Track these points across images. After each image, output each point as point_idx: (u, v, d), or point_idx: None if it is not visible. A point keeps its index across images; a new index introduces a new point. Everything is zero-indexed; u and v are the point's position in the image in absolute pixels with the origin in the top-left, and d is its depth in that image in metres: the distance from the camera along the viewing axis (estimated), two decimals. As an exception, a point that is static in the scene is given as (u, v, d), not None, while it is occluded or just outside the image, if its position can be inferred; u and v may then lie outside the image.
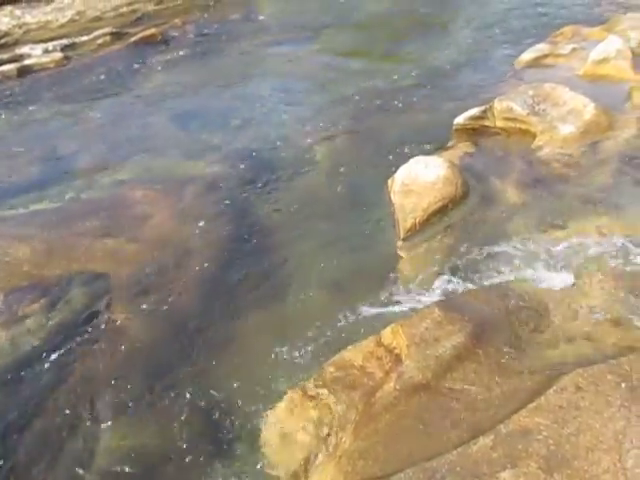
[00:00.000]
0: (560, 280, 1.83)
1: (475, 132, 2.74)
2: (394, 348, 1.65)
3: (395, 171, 2.34)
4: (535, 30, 4.18)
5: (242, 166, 2.84)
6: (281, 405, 1.57)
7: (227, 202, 2.56)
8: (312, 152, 2.88)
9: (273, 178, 2.71)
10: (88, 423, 1.65)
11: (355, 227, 2.28)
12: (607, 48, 3.26)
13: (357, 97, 3.39)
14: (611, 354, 1.54)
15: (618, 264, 1.89)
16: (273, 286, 2.08)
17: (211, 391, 1.69)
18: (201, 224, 2.41)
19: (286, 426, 1.52)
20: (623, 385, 1.39)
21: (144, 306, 2.04)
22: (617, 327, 1.65)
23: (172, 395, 1.71)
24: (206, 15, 5.59)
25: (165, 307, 2.04)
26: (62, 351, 1.87)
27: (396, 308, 1.84)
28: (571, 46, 3.53)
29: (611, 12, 4.32)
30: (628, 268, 1.87)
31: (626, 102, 2.88)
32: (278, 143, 3.02)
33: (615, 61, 3.21)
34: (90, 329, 1.96)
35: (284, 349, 1.78)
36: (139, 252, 2.33)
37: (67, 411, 1.69)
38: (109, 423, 1.64)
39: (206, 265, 2.21)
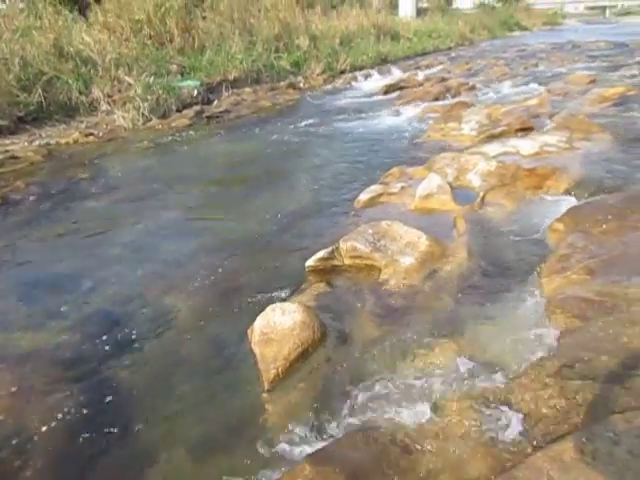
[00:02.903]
0: (423, 412, 1.87)
1: (326, 272, 2.88)
2: (269, 517, 1.53)
3: (254, 320, 2.35)
4: (369, 173, 4.68)
5: (93, 331, 2.66)
6: None
7: (77, 374, 2.34)
8: (170, 308, 2.80)
9: (128, 340, 2.56)
10: None
11: (218, 384, 2.19)
12: (429, 184, 3.72)
13: (212, 248, 3.44)
14: None
15: (472, 385, 1.99)
16: (135, 457, 1.88)
17: None
18: (48, 403, 2.16)
19: None
20: (493, 515, 1.40)
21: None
22: (483, 450, 1.69)
23: None
24: (52, 176, 5.50)
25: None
26: None
27: (267, 469, 1.74)
28: (400, 185, 3.98)
29: (428, 153, 5.01)
30: (482, 386, 1.97)
31: (452, 230, 3.25)
32: (133, 302, 2.90)
33: (438, 195, 3.65)
34: None
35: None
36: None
37: None
38: None
39: (57, 449, 1.96)
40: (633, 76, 9.67)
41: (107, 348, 2.52)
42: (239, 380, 2.20)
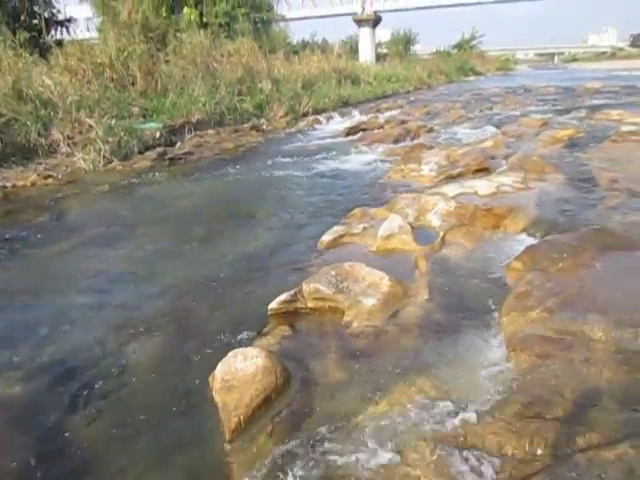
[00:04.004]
0: (388, 456, 1.85)
1: (290, 314, 2.85)
2: None
3: (216, 367, 2.29)
4: (332, 214, 4.72)
5: (47, 382, 2.54)
6: None
7: (31, 426, 2.22)
8: (128, 356, 2.71)
9: (84, 390, 2.45)
10: None
11: (178, 436, 2.10)
12: (391, 225, 3.77)
13: (172, 292, 3.37)
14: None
15: (437, 427, 1.98)
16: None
17: None
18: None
19: None
20: None
21: None
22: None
23: None
24: (7, 219, 5.36)
25: None
26: None
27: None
28: (362, 225, 4.02)
29: (390, 194, 5.10)
30: (447, 428, 1.96)
31: (414, 270, 3.28)
32: (90, 350, 2.80)
33: (399, 235, 3.70)
34: None
35: None
36: None
37: None
38: None
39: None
40: (581, 119, 10.18)
41: (62, 399, 2.41)
42: (200, 431, 2.12)
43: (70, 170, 7.65)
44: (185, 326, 2.94)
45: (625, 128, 7.81)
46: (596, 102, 13.82)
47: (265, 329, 2.73)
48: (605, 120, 9.55)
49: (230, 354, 2.26)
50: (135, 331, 2.93)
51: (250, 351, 2.24)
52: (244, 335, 2.70)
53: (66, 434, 2.18)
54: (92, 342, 2.88)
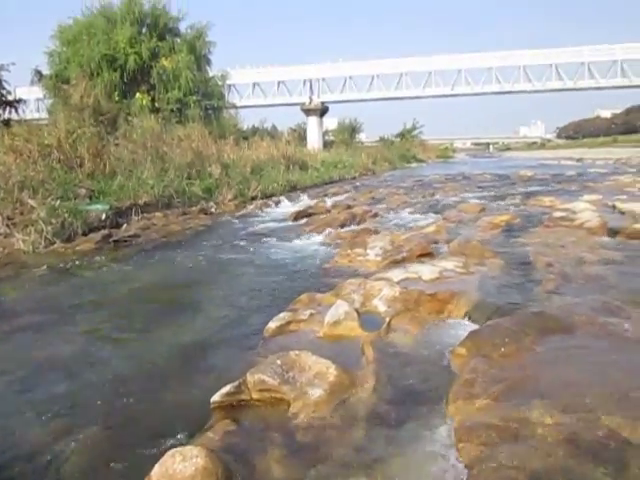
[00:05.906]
0: None
1: (234, 408, 2.73)
2: None
3: (152, 468, 2.14)
4: (279, 300, 4.68)
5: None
6: None
7: None
8: (55, 456, 2.49)
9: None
10: None
11: None
12: (337, 311, 3.77)
13: (107, 385, 3.18)
14: None
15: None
16: None
17: None
18: None
19: None
20: None
21: None
22: None
23: None
24: None
25: None
26: None
27: None
28: (309, 312, 4.00)
29: (336, 279, 5.13)
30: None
31: (361, 358, 3.25)
32: (9, 451, 2.57)
33: (346, 322, 3.69)
34: None
35: None
36: None
37: None
38: None
39: None
40: (516, 205, 10.81)
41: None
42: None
43: (7, 251, 7.37)
44: (120, 423, 2.76)
45: (556, 214, 8.31)
46: (529, 189, 14.78)
47: (207, 424, 2.60)
48: (538, 206, 10.17)
49: (168, 454, 2.13)
50: (62, 430, 2.71)
51: (189, 450, 2.11)
52: (184, 432, 2.55)
53: None
54: (12, 440, 2.65)
